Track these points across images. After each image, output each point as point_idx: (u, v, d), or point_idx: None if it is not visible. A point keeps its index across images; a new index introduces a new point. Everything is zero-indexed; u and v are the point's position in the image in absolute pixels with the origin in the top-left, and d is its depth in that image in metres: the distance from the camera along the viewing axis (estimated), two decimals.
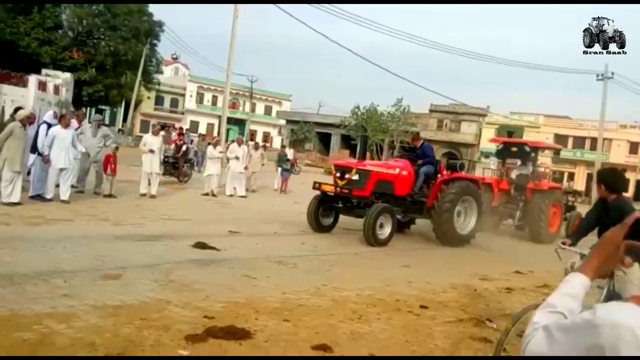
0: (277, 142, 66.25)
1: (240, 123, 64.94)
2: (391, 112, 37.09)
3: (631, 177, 42.95)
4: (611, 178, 4.61)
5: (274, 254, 7.74)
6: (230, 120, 65.57)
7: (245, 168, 15.66)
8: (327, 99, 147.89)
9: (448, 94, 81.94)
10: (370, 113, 36.92)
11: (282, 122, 64.91)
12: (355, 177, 9.91)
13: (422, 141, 11.43)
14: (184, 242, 7.68)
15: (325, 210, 10.64)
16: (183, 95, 65.44)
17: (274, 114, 69.09)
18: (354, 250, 9.07)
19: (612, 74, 28.17)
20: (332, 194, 10.24)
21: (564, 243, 4.60)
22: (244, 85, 61.79)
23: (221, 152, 15.29)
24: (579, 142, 49.13)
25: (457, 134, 52.77)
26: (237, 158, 14.98)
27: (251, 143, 19.72)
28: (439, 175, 11.01)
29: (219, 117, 64.77)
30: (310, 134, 55.21)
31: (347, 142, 49.66)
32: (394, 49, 69.97)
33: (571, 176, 48.40)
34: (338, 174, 10.19)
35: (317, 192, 10.65)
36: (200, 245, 7.53)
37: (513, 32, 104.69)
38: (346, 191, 9.91)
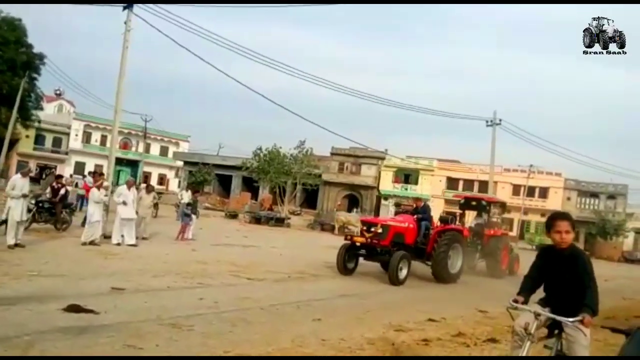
0: (173, 185, 63.66)
1: (133, 164, 61.75)
2: (294, 155, 36.82)
3: (515, 217, 46.18)
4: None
5: (166, 314, 6.63)
6: (121, 162, 61.87)
7: (136, 213, 14.29)
8: (227, 140, 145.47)
9: (349, 137, 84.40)
10: (273, 155, 36.33)
11: (180, 163, 62.55)
12: (380, 230, 12.25)
13: (423, 202, 14.22)
14: (54, 305, 6.35)
15: (350, 257, 12.66)
16: (67, 134, 60.69)
17: (170, 155, 66.38)
18: (259, 304, 8.13)
19: (500, 120, 29.78)
20: (359, 244, 12.45)
21: (515, 301, 3.89)
22: (137, 124, 58.87)
23: (106, 195, 13.75)
24: (469, 184, 52.13)
25: (358, 176, 53.97)
26: (124, 203, 13.52)
27: (143, 185, 18.12)
28: (431, 227, 13.53)
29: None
30: (210, 176, 53.47)
31: (249, 184, 48.72)
32: (295, 90, 70.97)
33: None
34: (365, 228, 12.71)
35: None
36: (74, 309, 6.23)
37: (412, 80, 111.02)
38: (376, 242, 12.14)
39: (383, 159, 52.39)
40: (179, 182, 59.71)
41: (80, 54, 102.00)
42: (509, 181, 51.34)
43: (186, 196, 22.57)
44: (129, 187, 14.17)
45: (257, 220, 31.30)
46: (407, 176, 53.90)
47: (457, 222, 16.66)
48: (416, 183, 53.24)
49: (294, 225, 32.45)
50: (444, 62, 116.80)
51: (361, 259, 12.94)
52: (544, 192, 51.66)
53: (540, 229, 49.37)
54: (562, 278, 3.89)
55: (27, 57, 36.12)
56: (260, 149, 36.95)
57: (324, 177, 50.96)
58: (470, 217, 18.40)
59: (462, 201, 18.97)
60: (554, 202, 51.13)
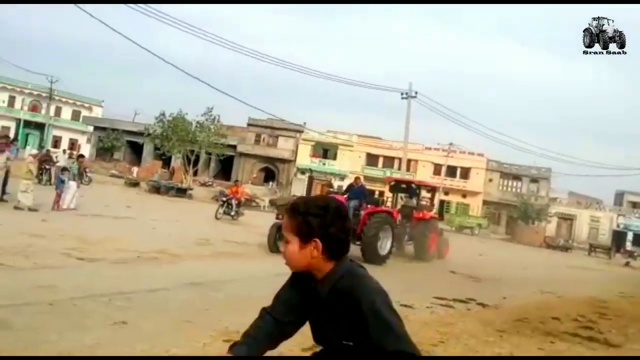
0: (85, 150, 60.30)
1: (42, 127, 58.06)
2: (200, 122, 34.37)
3: (435, 196, 45.96)
4: None
5: None
6: (29, 124, 57.93)
7: None
8: (146, 107, 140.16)
9: (266, 109, 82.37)
10: (177, 121, 33.68)
11: (92, 128, 59.03)
12: None
13: (361, 182, 14.57)
14: None
15: (281, 236, 11.61)
16: None
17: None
18: (54, 297, 5.96)
19: (416, 93, 29.15)
20: None
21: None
22: (46, 86, 55.03)
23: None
24: (389, 161, 51.58)
25: (275, 149, 52.27)
26: None
27: None
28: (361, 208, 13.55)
29: (17, 120, 57.21)
30: (119, 142, 50.01)
31: (163, 152, 45.99)
32: (213, 61, 67.34)
33: (381, 194, 50.87)
34: None
35: None
36: None
37: (334, 55, 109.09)
38: None
39: (301, 132, 50.84)
40: (91, 147, 56.87)
41: None
42: (430, 160, 51.19)
43: (62, 159, 20.28)
44: None
45: (156, 189, 29.18)
46: (325, 151, 52.58)
47: (387, 204, 16.73)
48: (335, 158, 52.07)
49: (197, 197, 30.40)
50: (368, 37, 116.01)
51: None
52: (465, 173, 51.52)
53: (461, 210, 49.28)
54: (329, 336, 1.85)
55: None
56: (163, 114, 34.19)
57: (239, 149, 48.93)
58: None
59: (393, 184, 19.10)
60: (476, 184, 51.21)
